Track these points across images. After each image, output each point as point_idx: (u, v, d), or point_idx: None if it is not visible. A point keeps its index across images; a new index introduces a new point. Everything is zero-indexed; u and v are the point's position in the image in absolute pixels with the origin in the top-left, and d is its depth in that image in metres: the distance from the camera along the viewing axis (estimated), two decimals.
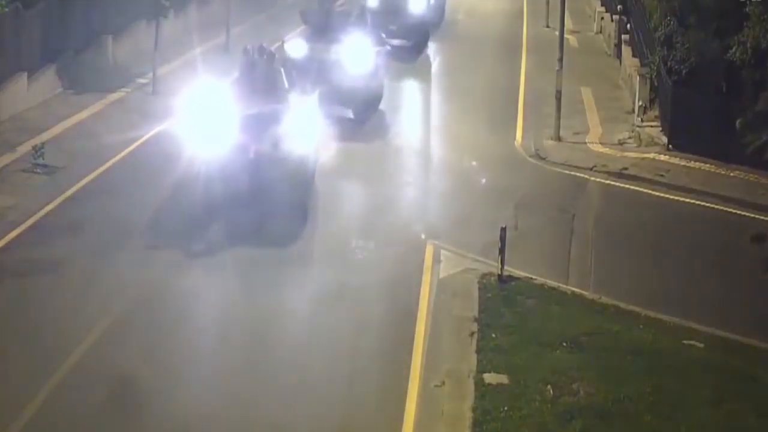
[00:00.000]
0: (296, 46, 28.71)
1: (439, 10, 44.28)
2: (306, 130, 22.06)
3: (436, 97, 34.08)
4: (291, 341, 16.75)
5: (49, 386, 14.85)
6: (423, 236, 21.14)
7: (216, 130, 21.31)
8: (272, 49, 24.38)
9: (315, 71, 26.41)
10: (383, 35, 32.05)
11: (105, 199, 22.06)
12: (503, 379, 15.43)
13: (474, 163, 26.52)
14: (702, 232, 23.13)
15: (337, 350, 16.47)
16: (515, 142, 28.70)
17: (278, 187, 20.68)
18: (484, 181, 25.68)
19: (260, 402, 14.84)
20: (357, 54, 28.54)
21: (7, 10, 26.71)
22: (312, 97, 24.02)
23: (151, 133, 26.39)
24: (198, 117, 22.20)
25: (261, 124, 21.26)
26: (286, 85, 22.99)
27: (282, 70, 23.31)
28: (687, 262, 21.29)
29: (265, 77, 22.53)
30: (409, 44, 37.38)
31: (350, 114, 27.13)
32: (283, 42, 26.43)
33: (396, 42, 36.09)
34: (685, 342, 17.50)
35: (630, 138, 29.19)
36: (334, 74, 27.20)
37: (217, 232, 20.41)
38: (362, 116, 28.18)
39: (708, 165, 26.94)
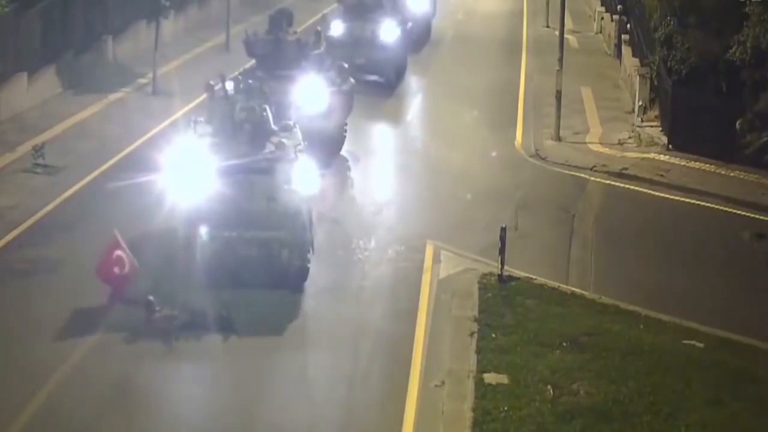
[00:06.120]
0: (241, 86, 20.27)
1: (425, 26, 40.67)
2: (302, 185, 18.43)
3: (435, 96, 34.07)
4: (291, 340, 16.75)
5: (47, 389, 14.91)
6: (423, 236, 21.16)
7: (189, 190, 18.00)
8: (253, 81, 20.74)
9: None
10: (345, 65, 26.36)
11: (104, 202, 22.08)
12: (503, 379, 15.43)
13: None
14: (702, 232, 23.12)
15: (337, 350, 16.48)
16: (515, 142, 28.71)
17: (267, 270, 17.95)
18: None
19: (261, 400, 14.86)
20: (309, 95, 24.11)
21: (7, 10, 26.72)
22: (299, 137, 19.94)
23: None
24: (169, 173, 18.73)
25: (246, 180, 18.08)
26: (273, 125, 19.51)
27: (268, 106, 19.49)
28: (687, 262, 21.29)
29: (249, 116, 18.94)
30: (382, 80, 32.78)
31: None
32: (220, 81, 19.80)
33: (366, 78, 31.73)
34: (685, 342, 17.49)
35: (630, 138, 29.20)
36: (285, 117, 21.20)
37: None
38: (323, 163, 22.50)
39: (708, 165, 26.94)
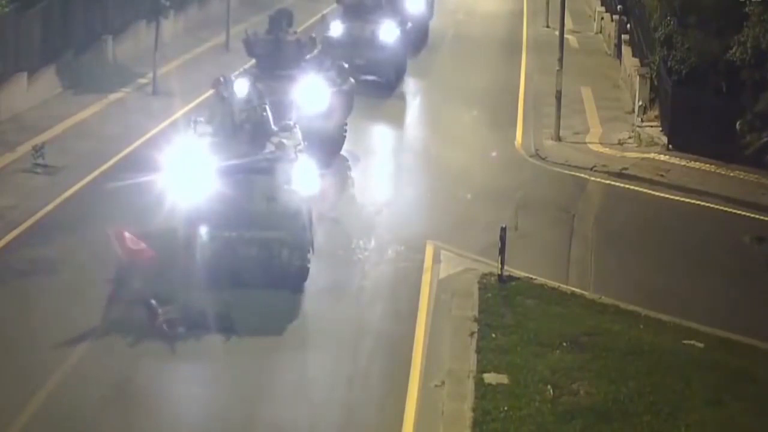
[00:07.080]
0: (241, 86, 19.34)
1: (422, 28, 40.11)
2: (302, 185, 18.41)
3: (435, 96, 34.06)
4: (291, 340, 16.76)
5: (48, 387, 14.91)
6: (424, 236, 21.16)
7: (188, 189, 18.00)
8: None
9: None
10: (345, 65, 26.23)
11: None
12: (503, 379, 15.43)
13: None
14: (702, 232, 23.12)
15: (337, 350, 16.48)
16: (515, 142, 28.71)
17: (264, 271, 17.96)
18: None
19: (261, 400, 14.86)
20: (309, 95, 24.11)
21: (7, 10, 26.72)
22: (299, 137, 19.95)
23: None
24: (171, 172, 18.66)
25: (246, 180, 18.09)
26: (273, 125, 19.50)
27: (268, 107, 19.43)
28: (687, 262, 21.28)
29: (249, 116, 18.87)
30: (381, 80, 32.51)
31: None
32: (227, 80, 19.58)
33: (365, 78, 31.40)
34: (685, 342, 17.49)
35: (630, 138, 29.20)
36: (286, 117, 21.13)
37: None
38: (323, 163, 22.54)
39: (708, 165, 26.95)
